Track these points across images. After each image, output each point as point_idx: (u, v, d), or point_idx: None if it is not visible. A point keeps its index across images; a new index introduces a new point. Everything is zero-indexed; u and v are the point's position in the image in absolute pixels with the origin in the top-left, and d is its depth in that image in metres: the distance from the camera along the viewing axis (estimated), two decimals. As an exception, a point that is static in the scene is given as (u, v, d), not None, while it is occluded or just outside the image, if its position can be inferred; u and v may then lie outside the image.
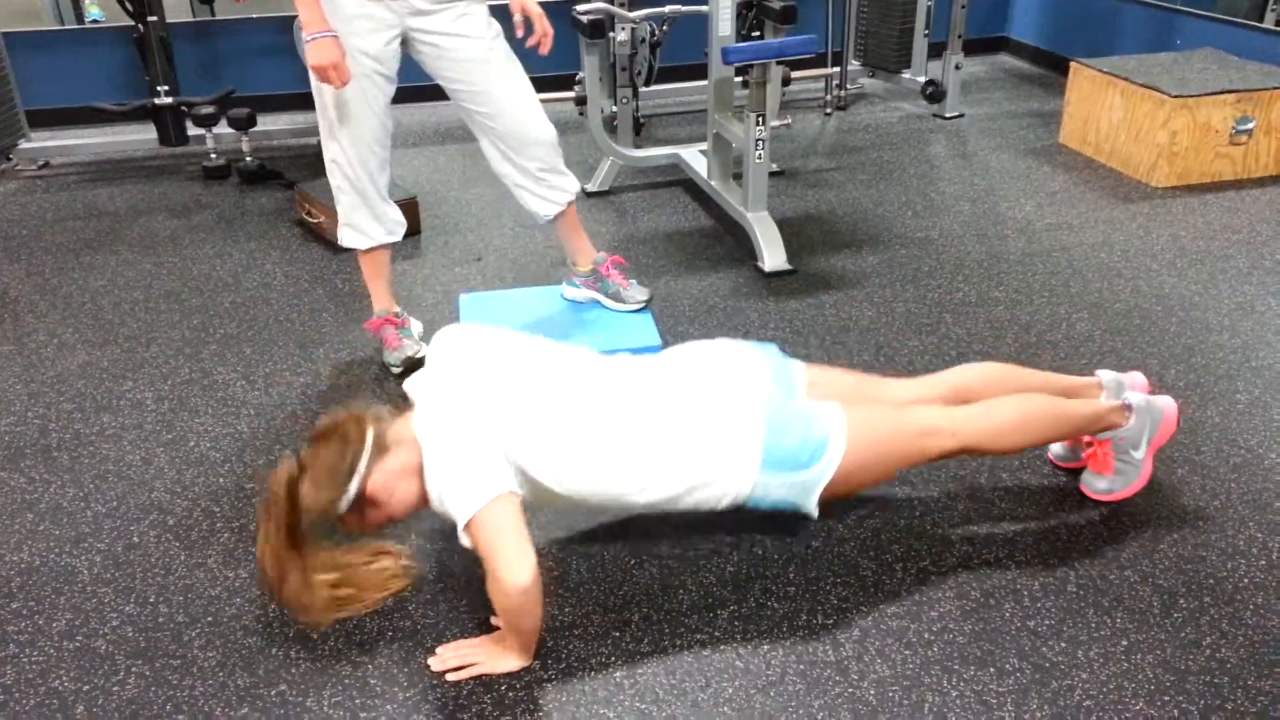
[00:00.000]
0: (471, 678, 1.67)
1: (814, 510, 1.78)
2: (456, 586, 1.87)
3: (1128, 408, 1.98)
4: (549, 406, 1.72)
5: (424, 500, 1.71)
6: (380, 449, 1.68)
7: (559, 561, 1.92)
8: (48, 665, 1.72)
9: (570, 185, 2.64)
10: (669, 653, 1.71)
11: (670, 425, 1.74)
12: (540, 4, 2.49)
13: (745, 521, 2.01)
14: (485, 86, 2.43)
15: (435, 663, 1.69)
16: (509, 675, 1.67)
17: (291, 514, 1.61)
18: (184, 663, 1.72)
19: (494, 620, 1.78)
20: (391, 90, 2.41)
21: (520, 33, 2.48)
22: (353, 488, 1.64)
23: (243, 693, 1.65)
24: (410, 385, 1.85)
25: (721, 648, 1.72)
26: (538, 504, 1.76)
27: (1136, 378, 2.11)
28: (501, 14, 2.45)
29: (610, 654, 1.71)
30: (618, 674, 1.67)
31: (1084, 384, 2.06)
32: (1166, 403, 2.02)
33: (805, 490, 1.75)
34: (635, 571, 1.89)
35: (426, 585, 1.88)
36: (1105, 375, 2.07)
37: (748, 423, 1.73)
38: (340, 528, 1.71)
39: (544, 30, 2.48)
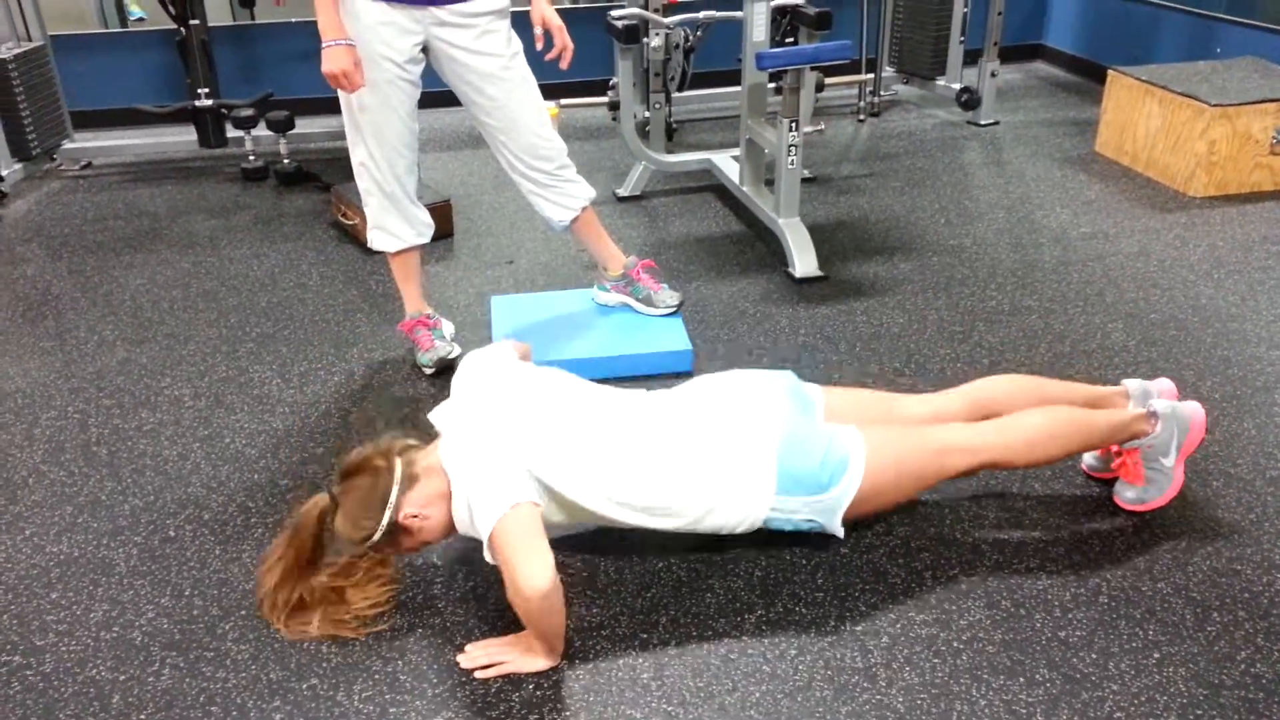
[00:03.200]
0: (500, 676, 1.68)
1: (839, 531, 1.82)
2: (486, 585, 1.88)
3: (1153, 415, 1.96)
4: (571, 431, 1.78)
5: (453, 529, 1.79)
6: (410, 480, 1.76)
7: (587, 563, 1.93)
8: (85, 655, 1.75)
9: (582, 192, 2.65)
10: (696, 655, 1.71)
11: (687, 448, 1.78)
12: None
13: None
14: (500, 102, 2.45)
15: (464, 660, 1.71)
16: (536, 674, 1.68)
17: (315, 547, 1.74)
18: (217, 655, 1.75)
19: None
20: (416, 94, 2.43)
21: (540, 45, 2.49)
22: (385, 519, 1.72)
23: (275, 686, 1.68)
24: (436, 415, 1.92)
25: (749, 652, 1.72)
26: (569, 520, 1.82)
27: (1164, 384, 2.08)
28: (521, 24, 2.46)
29: (638, 655, 1.72)
30: (644, 675, 1.68)
31: (1110, 393, 2.04)
32: (1193, 408, 2.00)
33: (828, 512, 1.79)
34: (663, 574, 1.90)
35: (456, 584, 1.89)
36: (1132, 384, 2.05)
37: (762, 445, 1.77)
38: (375, 556, 1.80)
39: (564, 44, 2.48)
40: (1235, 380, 2.46)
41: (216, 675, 1.70)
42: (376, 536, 1.72)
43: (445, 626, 1.79)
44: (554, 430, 1.77)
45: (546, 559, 1.59)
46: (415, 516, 1.75)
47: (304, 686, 1.68)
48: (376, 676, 1.69)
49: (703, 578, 1.89)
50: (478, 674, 1.68)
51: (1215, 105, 3.47)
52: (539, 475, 1.72)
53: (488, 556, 1.65)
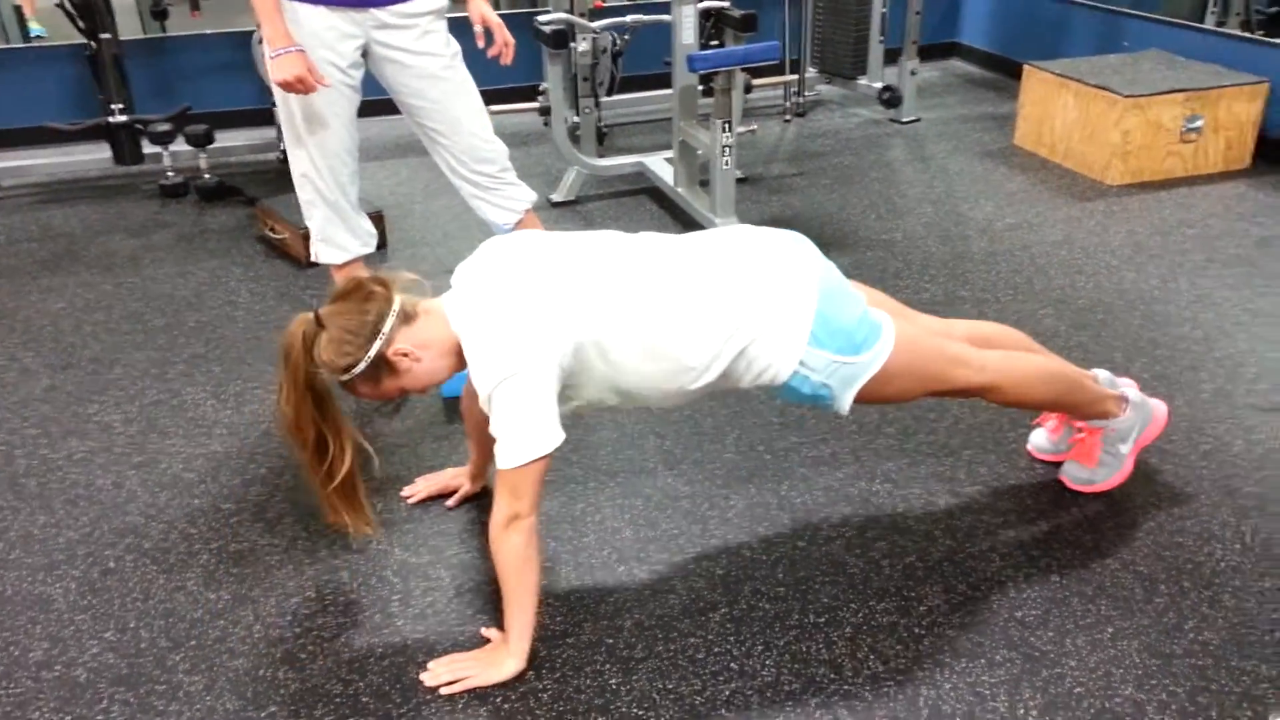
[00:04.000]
0: (465, 691, 1.65)
1: (846, 407, 1.72)
2: (444, 600, 1.85)
3: (1124, 399, 2.02)
4: (599, 269, 1.66)
5: (438, 380, 1.70)
6: (407, 315, 1.65)
7: (548, 570, 1.91)
8: (26, 697, 1.67)
9: (525, 195, 2.63)
10: (663, 657, 1.71)
11: (724, 276, 1.68)
12: (502, 14, 2.50)
13: (731, 522, 2.02)
14: (442, 105, 2.42)
15: (428, 678, 1.67)
16: (503, 686, 1.66)
17: (311, 370, 1.59)
18: (169, 688, 1.68)
19: (484, 632, 1.76)
20: (357, 101, 2.39)
21: (481, 43, 2.49)
22: (373, 350, 1.60)
23: (232, 716, 1.62)
24: (459, 272, 1.74)
25: (715, 650, 1.72)
26: (594, 392, 1.70)
27: (1128, 382, 2.15)
28: (459, 29, 2.44)
29: (604, 661, 1.70)
30: (613, 681, 1.66)
31: (1082, 374, 2.09)
32: (1159, 405, 2.09)
33: (847, 380, 1.69)
34: (625, 578, 1.89)
35: (414, 600, 1.86)
36: (1101, 374, 2.10)
37: (802, 284, 1.68)
38: (349, 391, 1.67)
39: (504, 40, 2.48)
40: (1163, 360, 2.55)
41: (169, 709, 1.64)
42: (360, 367, 1.60)
43: (405, 645, 1.75)
44: (588, 276, 1.64)
45: (538, 503, 1.61)
46: (406, 355, 1.63)
47: (262, 715, 1.63)
48: (338, 700, 1.65)
49: (664, 579, 1.88)
50: (443, 690, 1.65)
51: (1128, 96, 3.60)
52: (572, 329, 1.60)
53: (497, 463, 1.59)
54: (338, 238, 2.48)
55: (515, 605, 1.66)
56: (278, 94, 2.28)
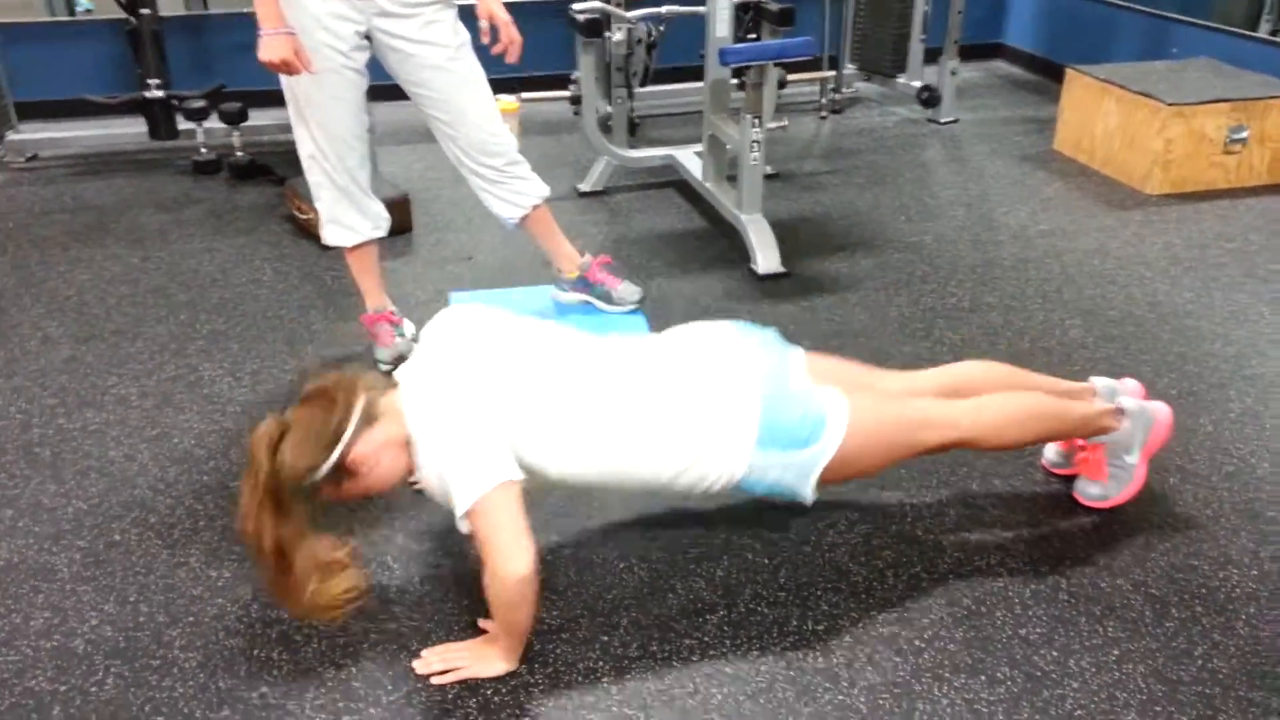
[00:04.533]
0: (457, 681, 1.64)
1: (809, 497, 1.72)
2: (442, 589, 1.84)
3: (1120, 411, 1.97)
4: (541, 387, 1.68)
5: (401, 478, 1.69)
6: (368, 419, 1.64)
7: (547, 565, 1.89)
8: (24, 665, 1.69)
9: (534, 190, 2.60)
10: (657, 658, 1.69)
11: (664, 399, 1.69)
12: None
13: (735, 524, 1.99)
14: (447, 95, 2.40)
15: (420, 666, 1.67)
16: (495, 679, 1.65)
17: (272, 476, 1.56)
18: (164, 663, 1.69)
19: (481, 623, 1.75)
20: (364, 84, 2.37)
21: (486, 39, 2.45)
22: (334, 455, 1.60)
23: (224, 694, 1.63)
24: (402, 368, 1.79)
25: (710, 653, 1.70)
26: (534, 487, 1.71)
27: (1130, 384, 2.09)
28: (469, 17, 2.42)
29: (598, 659, 1.69)
30: (605, 679, 1.65)
31: (1078, 389, 2.05)
32: (1160, 408, 2.01)
33: (802, 473, 1.69)
34: (624, 575, 1.87)
35: (412, 588, 1.85)
36: (1099, 382, 2.06)
37: (744, 397, 1.68)
38: (314, 496, 1.64)
39: (510, 38, 2.44)
40: (1191, 376, 2.48)
41: (163, 684, 1.65)
42: (321, 472, 1.59)
43: (400, 632, 1.75)
44: (526, 391, 1.66)
45: (528, 543, 1.56)
46: (365, 460, 1.63)
47: (254, 695, 1.63)
48: (330, 684, 1.65)
49: (664, 578, 1.86)
50: (434, 680, 1.65)
51: (1171, 104, 3.51)
52: (517, 447, 1.62)
53: (461, 527, 1.58)
54: (347, 220, 2.48)
55: (509, 629, 1.65)
56: (281, 76, 2.28)
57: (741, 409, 1.68)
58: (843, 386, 1.78)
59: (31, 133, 4.21)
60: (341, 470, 1.61)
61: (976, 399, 1.85)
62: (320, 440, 1.60)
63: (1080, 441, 2.02)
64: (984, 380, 1.94)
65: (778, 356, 1.81)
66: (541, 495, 1.80)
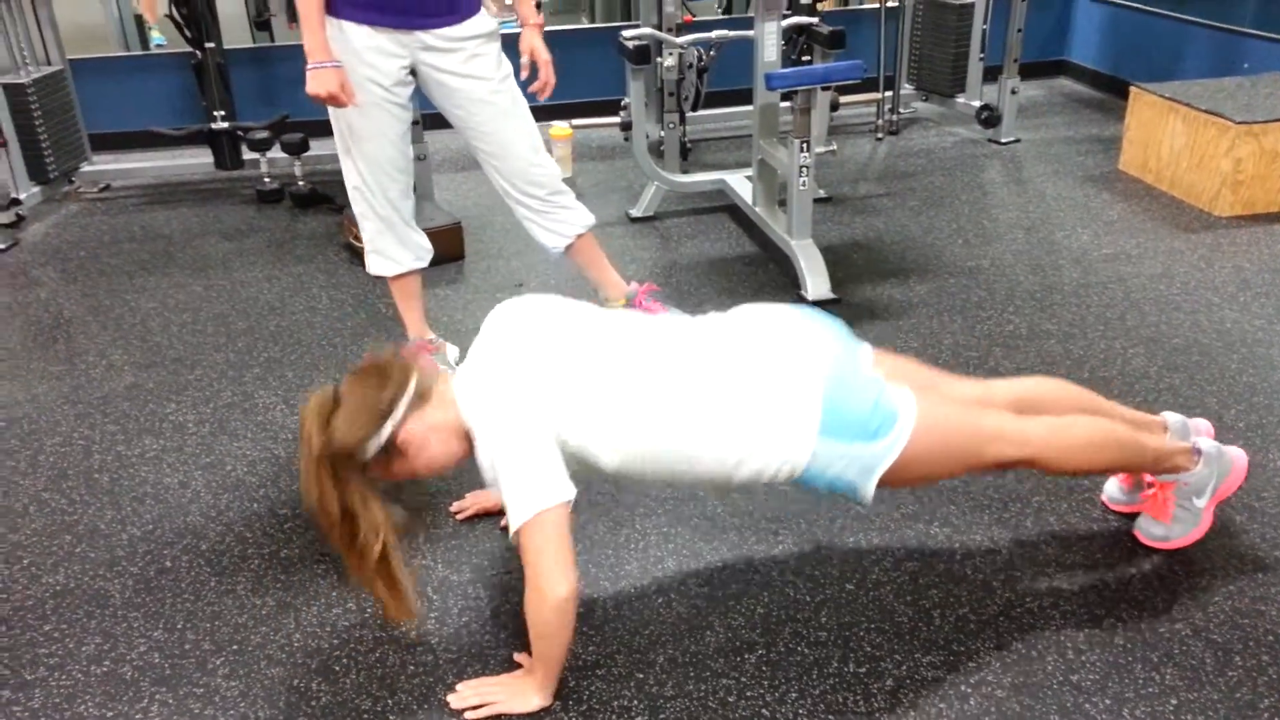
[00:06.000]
0: (490, 716, 1.64)
1: (869, 496, 1.64)
2: (480, 621, 1.84)
3: (1197, 452, 1.89)
4: (600, 369, 1.65)
5: (451, 464, 1.69)
6: (421, 398, 1.64)
7: (584, 599, 1.88)
8: (74, 690, 1.73)
9: (579, 219, 2.61)
10: (693, 697, 1.66)
11: (726, 378, 1.64)
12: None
13: (777, 560, 1.96)
14: (491, 127, 2.43)
15: (455, 700, 1.67)
16: (529, 715, 1.64)
17: (324, 447, 1.56)
18: (207, 691, 1.72)
19: (517, 657, 1.75)
20: (408, 117, 2.41)
21: (526, 74, 2.51)
22: (386, 431, 1.60)
23: (262, 725, 1.65)
24: (471, 351, 1.76)
25: (748, 694, 1.66)
26: (589, 478, 1.69)
27: (1202, 424, 2.01)
28: (512, 48, 2.46)
29: (633, 697, 1.67)
30: (639, 718, 1.63)
31: (1149, 421, 1.96)
32: (1237, 454, 1.93)
33: (866, 468, 1.62)
34: (662, 610, 1.85)
35: (450, 620, 1.85)
36: (1171, 417, 1.96)
37: (808, 377, 1.62)
38: (363, 471, 1.63)
39: (546, 79, 2.52)
40: (1261, 409, 2.38)
41: (204, 713, 1.67)
42: (371, 445, 1.58)
43: (437, 664, 1.75)
44: (586, 378, 1.63)
45: (572, 567, 1.55)
46: (414, 440, 1.62)
47: (292, 726, 1.64)
48: (366, 716, 1.65)
49: (703, 614, 1.84)
50: (468, 715, 1.64)
51: (1241, 123, 3.39)
52: (574, 433, 1.60)
53: (512, 537, 1.57)
54: (389, 250, 2.52)
55: (544, 657, 1.64)
56: (329, 108, 2.32)
57: (805, 389, 1.61)
58: (912, 386, 1.70)
59: (104, 164, 4.36)
60: (392, 448, 1.61)
61: (1051, 419, 1.77)
62: (371, 414, 1.59)
63: (1150, 478, 1.94)
64: (1057, 399, 1.86)
65: (845, 344, 1.74)
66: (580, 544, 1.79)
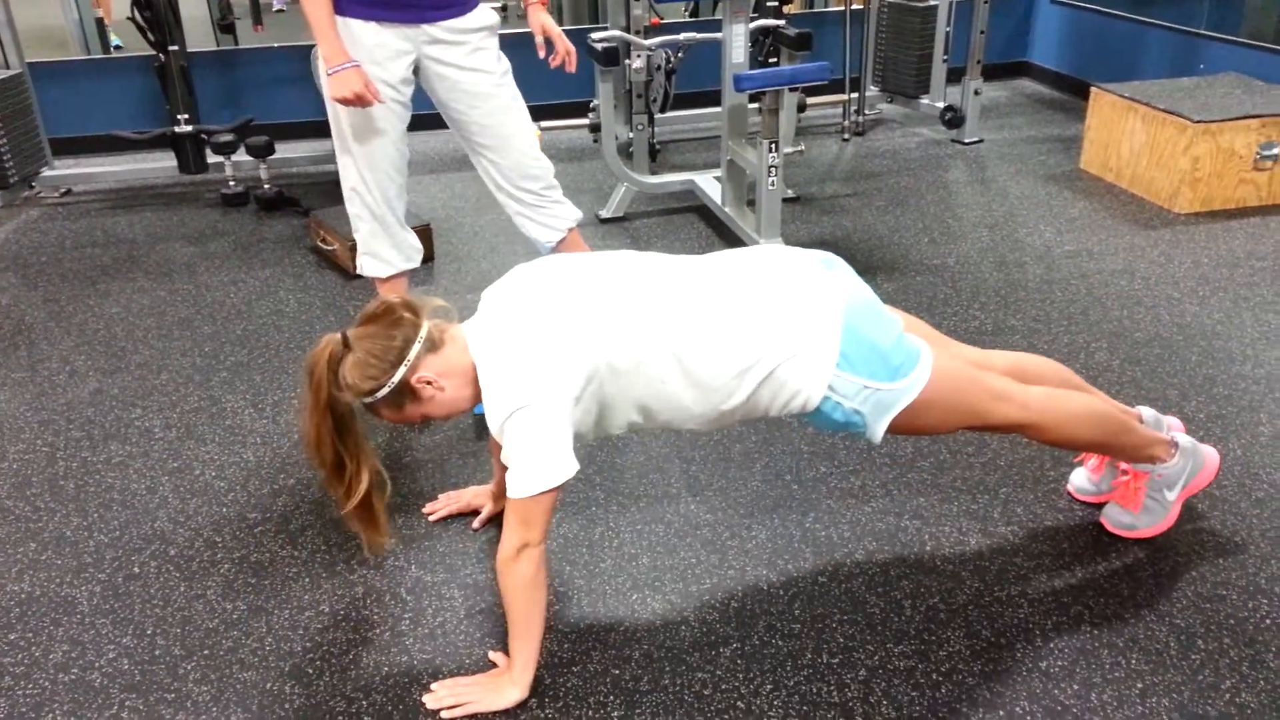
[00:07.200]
0: (466, 716, 1.63)
1: (879, 435, 1.65)
2: (455, 622, 1.84)
3: (1174, 445, 1.93)
4: (620, 289, 1.64)
5: (461, 409, 1.69)
6: (434, 343, 1.64)
7: (560, 596, 1.88)
8: (42, 699, 1.70)
9: (569, 213, 2.63)
10: (669, 692, 1.67)
11: (748, 292, 1.64)
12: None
13: (750, 553, 1.97)
14: (491, 121, 2.43)
15: (430, 700, 1.66)
16: (504, 713, 1.64)
17: (334, 392, 1.57)
18: (178, 697, 1.70)
19: (491, 655, 1.75)
20: (407, 118, 2.41)
21: (542, 54, 2.54)
22: (398, 376, 1.60)
23: (235, 729, 1.63)
24: (485, 296, 1.74)
25: (723, 687, 1.67)
26: (623, 414, 1.67)
27: (1175, 421, 2.05)
28: (508, 45, 2.46)
29: (609, 692, 1.67)
30: (615, 714, 1.63)
31: (1128, 410, 2.00)
32: (1210, 452, 1.98)
33: (880, 408, 1.62)
34: (637, 606, 1.86)
35: (424, 621, 1.85)
36: (1146, 411, 2.01)
37: (829, 301, 1.62)
38: (373, 414, 1.66)
39: (566, 49, 2.54)
40: (1220, 399, 2.43)
41: (175, 718, 1.66)
42: (383, 391, 1.59)
43: (412, 665, 1.75)
44: (607, 298, 1.62)
45: (545, 538, 1.60)
46: (430, 383, 1.62)
47: (265, 729, 1.63)
48: (340, 718, 1.64)
49: (678, 609, 1.85)
50: (443, 714, 1.64)
51: (1198, 121, 3.46)
52: (590, 352, 1.57)
53: (509, 493, 1.57)
54: (382, 252, 2.51)
55: (520, 634, 1.64)
56: (330, 109, 2.31)
57: (824, 312, 1.61)
58: (926, 340, 1.73)
59: (65, 168, 4.30)
60: (404, 392, 1.62)
61: (1051, 389, 1.82)
62: (384, 359, 1.60)
63: (1125, 466, 1.97)
64: (1047, 375, 1.91)
65: (865, 285, 1.74)
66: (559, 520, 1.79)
